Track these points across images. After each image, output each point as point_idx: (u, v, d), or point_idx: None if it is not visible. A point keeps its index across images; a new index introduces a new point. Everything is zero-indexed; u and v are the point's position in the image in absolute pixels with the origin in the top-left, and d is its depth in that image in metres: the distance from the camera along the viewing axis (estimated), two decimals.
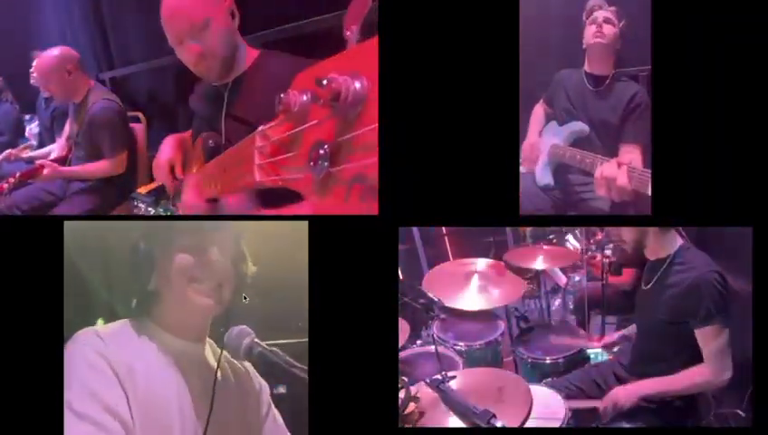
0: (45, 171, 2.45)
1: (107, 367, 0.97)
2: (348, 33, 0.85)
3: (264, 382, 1.17)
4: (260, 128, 0.93)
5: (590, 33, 1.52)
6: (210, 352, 1.11)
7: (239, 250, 1.10)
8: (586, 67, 1.56)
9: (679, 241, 1.47)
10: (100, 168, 2.59)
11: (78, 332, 1.01)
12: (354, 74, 0.71)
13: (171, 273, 1.04)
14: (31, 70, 2.91)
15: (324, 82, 0.70)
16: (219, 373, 1.09)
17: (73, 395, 0.95)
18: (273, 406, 1.17)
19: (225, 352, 1.10)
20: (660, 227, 1.45)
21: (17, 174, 2.44)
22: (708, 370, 1.36)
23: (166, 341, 1.05)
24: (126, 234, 1.08)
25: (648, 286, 1.51)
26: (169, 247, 1.04)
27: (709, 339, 1.35)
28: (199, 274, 1.04)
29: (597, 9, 1.51)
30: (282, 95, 0.81)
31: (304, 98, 0.78)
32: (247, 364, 1.15)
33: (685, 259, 1.44)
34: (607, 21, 1.49)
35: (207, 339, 1.11)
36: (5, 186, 2.46)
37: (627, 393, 1.43)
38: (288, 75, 1.36)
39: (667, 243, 1.47)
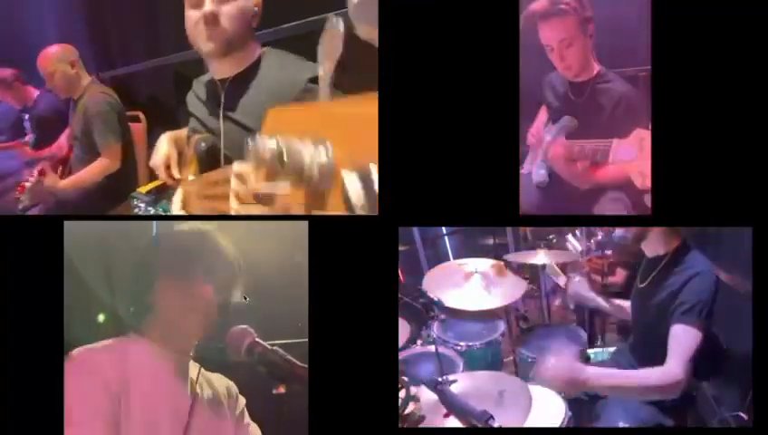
0: (46, 180, 2.45)
1: (100, 386, 0.98)
2: (321, 72, 0.87)
3: (241, 396, 1.18)
4: (236, 168, 0.97)
5: (556, 62, 1.39)
6: (194, 367, 1.12)
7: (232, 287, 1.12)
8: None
9: (678, 240, 1.46)
10: (95, 169, 2.58)
11: (73, 351, 1.02)
12: (320, 141, 0.72)
13: (172, 302, 1.06)
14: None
15: (285, 159, 0.74)
16: (198, 387, 1.11)
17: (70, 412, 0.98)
18: (248, 416, 1.19)
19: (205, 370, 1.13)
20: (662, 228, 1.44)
21: (34, 175, 2.43)
22: (662, 370, 1.28)
23: (157, 354, 1.06)
24: (129, 236, 1.10)
25: (644, 284, 1.50)
26: (177, 276, 1.06)
27: (680, 337, 1.30)
28: (198, 309, 1.07)
29: (539, 19, 1.33)
30: (250, 142, 0.83)
31: (272, 146, 0.80)
32: (228, 380, 1.17)
33: (684, 261, 1.42)
34: (565, 45, 1.34)
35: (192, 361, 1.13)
36: (27, 184, 2.45)
37: (590, 377, 1.33)
38: (291, 78, 1.35)
39: (667, 240, 1.45)
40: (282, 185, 0.82)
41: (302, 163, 0.72)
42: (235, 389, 1.19)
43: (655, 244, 1.48)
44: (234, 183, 0.99)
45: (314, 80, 1.33)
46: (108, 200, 2.62)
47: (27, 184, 2.45)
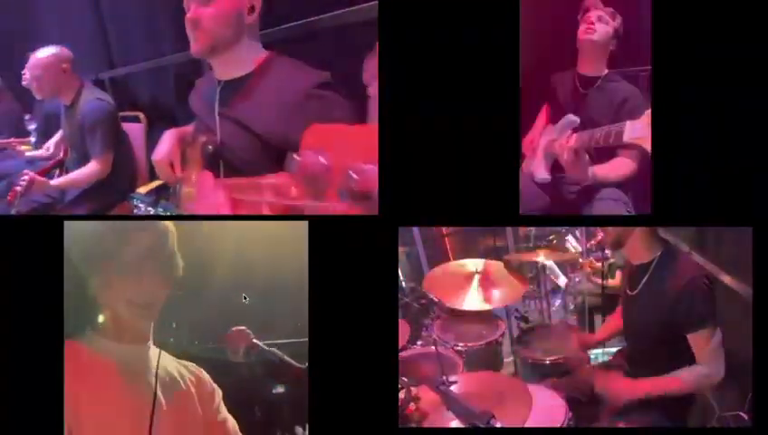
0: (34, 186, 2.42)
1: None
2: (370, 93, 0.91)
3: (216, 387, 1.15)
4: (272, 180, 1.01)
5: (581, 29, 1.51)
6: (156, 354, 1.10)
7: (169, 253, 1.08)
8: (578, 68, 1.55)
9: (663, 245, 1.45)
10: (87, 173, 2.56)
11: None
12: (320, 151, 0.82)
13: (106, 290, 1.04)
14: (23, 71, 2.90)
15: (297, 157, 0.82)
16: (162, 375, 1.08)
17: None
18: (224, 410, 1.16)
19: (167, 356, 1.11)
20: (642, 231, 1.43)
21: (26, 180, 2.41)
22: (701, 371, 1.36)
23: (108, 348, 1.04)
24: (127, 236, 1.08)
25: (635, 292, 1.48)
26: (106, 266, 1.04)
27: (702, 342, 1.35)
28: (135, 297, 1.04)
29: (591, 8, 1.50)
30: (296, 156, 0.88)
31: (322, 160, 0.85)
32: (201, 369, 1.15)
33: (671, 264, 1.41)
34: (600, 19, 1.48)
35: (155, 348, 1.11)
36: (17, 189, 2.43)
37: (624, 393, 1.43)
38: (293, 86, 1.36)
39: (650, 247, 1.44)
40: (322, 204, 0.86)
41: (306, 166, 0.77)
42: (209, 380, 1.15)
43: (639, 251, 1.46)
44: (269, 195, 1.01)
45: (321, 86, 1.34)
46: (104, 202, 2.62)
47: (18, 189, 2.43)
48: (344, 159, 0.81)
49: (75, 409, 0.98)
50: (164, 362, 1.10)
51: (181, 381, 1.11)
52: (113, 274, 1.04)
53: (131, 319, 1.05)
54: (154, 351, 1.10)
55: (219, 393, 1.16)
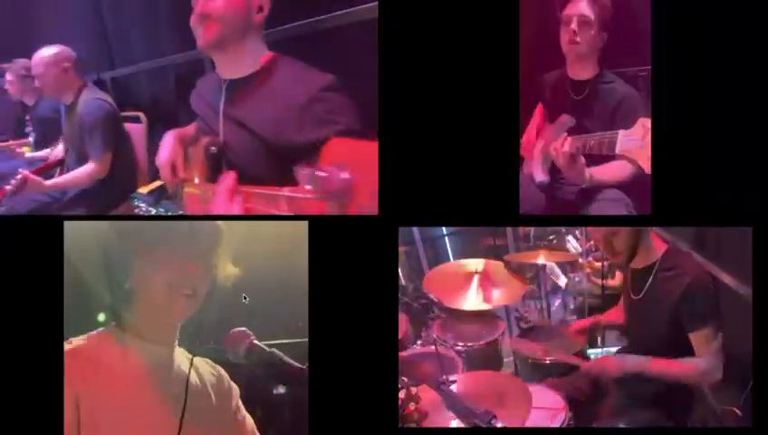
0: (28, 185, 2.41)
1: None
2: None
3: (234, 385, 1.15)
4: (286, 193, 1.05)
5: (564, 37, 1.44)
6: (182, 355, 1.10)
7: (216, 256, 1.08)
8: (567, 71, 1.51)
9: (662, 245, 1.44)
10: (83, 173, 2.55)
11: None
12: (342, 167, 0.85)
13: (151, 279, 1.02)
14: (6, 74, 2.90)
15: (320, 173, 0.86)
16: (191, 378, 1.08)
17: None
18: (243, 409, 1.16)
19: (195, 357, 1.10)
20: (645, 234, 1.43)
21: (18, 178, 2.40)
22: (700, 368, 1.36)
23: (136, 346, 1.04)
24: (116, 233, 1.07)
25: (640, 296, 1.47)
26: (150, 251, 1.03)
27: (704, 341, 1.34)
28: (179, 283, 1.03)
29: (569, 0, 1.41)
30: (318, 172, 0.90)
31: (345, 176, 0.87)
32: (218, 367, 1.15)
33: (672, 264, 1.41)
34: (582, 23, 1.40)
35: (179, 348, 1.10)
36: (8, 188, 2.42)
37: (615, 364, 1.44)
38: (297, 88, 1.36)
39: (651, 249, 1.44)
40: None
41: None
42: (227, 378, 1.15)
43: (642, 255, 1.45)
44: (285, 206, 1.04)
45: (326, 89, 1.33)
46: (105, 201, 2.62)
47: (8, 188, 2.41)
48: (366, 176, 0.82)
49: (91, 403, 0.98)
50: (186, 363, 1.10)
51: (200, 380, 1.11)
52: (157, 259, 1.02)
53: (170, 304, 1.03)
54: (179, 352, 1.09)
55: (237, 392, 1.16)
